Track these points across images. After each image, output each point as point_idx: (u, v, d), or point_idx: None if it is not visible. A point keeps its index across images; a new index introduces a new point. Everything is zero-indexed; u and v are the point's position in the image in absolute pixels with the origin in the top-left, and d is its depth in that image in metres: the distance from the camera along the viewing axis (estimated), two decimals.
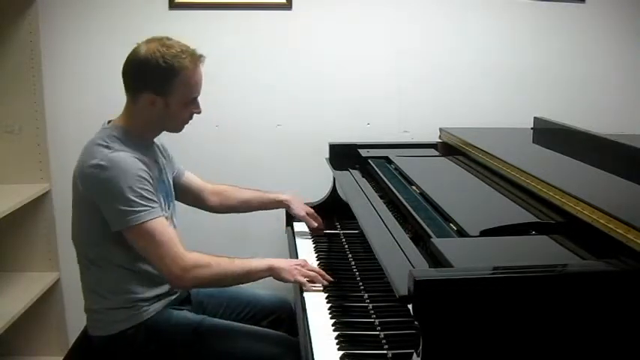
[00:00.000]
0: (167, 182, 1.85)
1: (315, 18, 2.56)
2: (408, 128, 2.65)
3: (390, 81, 2.62)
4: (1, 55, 2.41)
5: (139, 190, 1.60)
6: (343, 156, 2.34)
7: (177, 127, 1.77)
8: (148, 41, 1.68)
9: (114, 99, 2.60)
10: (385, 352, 1.42)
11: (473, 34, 2.62)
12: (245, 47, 2.57)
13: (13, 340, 2.49)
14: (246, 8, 2.54)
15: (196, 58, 1.70)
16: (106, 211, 1.61)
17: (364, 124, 2.63)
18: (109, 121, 1.76)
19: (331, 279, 1.76)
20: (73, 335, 2.15)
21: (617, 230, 1.24)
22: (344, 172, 2.26)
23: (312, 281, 1.73)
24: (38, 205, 2.50)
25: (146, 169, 1.65)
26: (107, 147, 1.63)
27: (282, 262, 1.76)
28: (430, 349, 1.09)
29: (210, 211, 2.11)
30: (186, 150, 2.58)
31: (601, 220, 1.30)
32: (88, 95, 2.53)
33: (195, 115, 1.77)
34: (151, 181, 1.65)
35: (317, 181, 2.45)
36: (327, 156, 2.38)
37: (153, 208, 1.62)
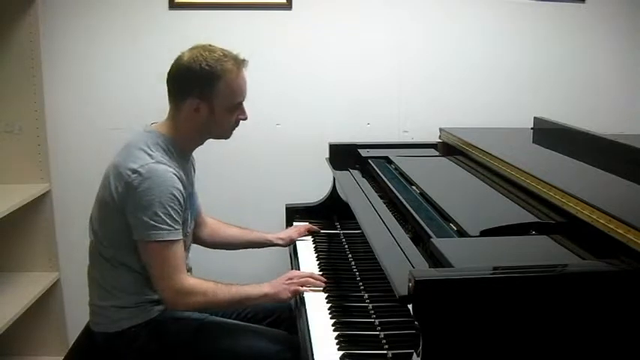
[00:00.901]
0: (195, 195, 1.85)
1: (315, 18, 2.56)
2: (408, 128, 2.65)
3: (390, 81, 2.62)
4: (1, 55, 2.41)
5: (168, 208, 1.59)
6: (343, 156, 2.34)
7: (224, 134, 1.77)
8: (192, 48, 1.70)
9: (114, 99, 2.62)
10: (385, 352, 1.42)
11: (473, 34, 2.62)
12: (245, 47, 2.55)
13: (13, 340, 2.49)
14: (246, 8, 2.54)
15: (239, 62, 1.71)
16: (132, 219, 1.61)
17: (364, 124, 2.63)
18: (152, 123, 1.75)
19: (323, 279, 1.77)
20: (73, 335, 2.15)
21: (617, 230, 1.24)
22: (344, 172, 2.26)
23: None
24: (38, 205, 2.50)
25: (181, 187, 1.64)
26: (150, 155, 1.62)
27: (275, 285, 1.75)
28: (430, 349, 1.09)
29: (198, 244, 2.04)
30: None
31: (601, 220, 1.30)
32: (88, 95, 2.53)
33: (238, 124, 1.76)
34: (182, 201, 1.64)
35: (317, 181, 2.45)
36: (327, 156, 2.38)
37: (176, 229, 1.62)
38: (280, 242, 2.13)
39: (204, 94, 1.66)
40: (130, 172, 1.59)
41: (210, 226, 2.06)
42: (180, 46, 2.50)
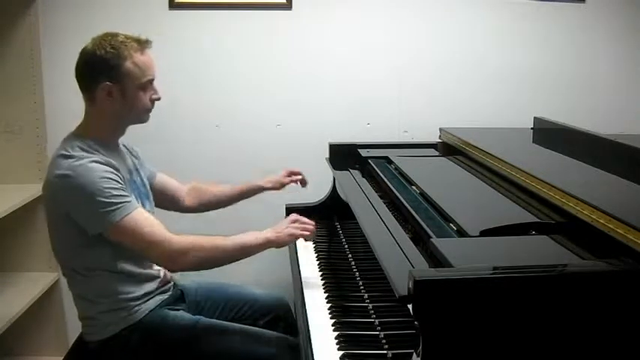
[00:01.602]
0: (140, 182, 1.84)
1: (315, 18, 2.56)
2: (408, 128, 2.65)
3: (390, 81, 2.62)
4: (1, 55, 2.41)
5: (107, 191, 1.59)
6: (343, 156, 2.34)
7: (140, 116, 1.74)
8: (93, 38, 1.71)
9: None
10: (385, 352, 1.41)
11: (473, 33, 2.62)
12: (245, 47, 2.57)
13: (13, 340, 2.49)
14: (246, 8, 2.54)
15: (142, 42, 1.71)
16: (80, 218, 1.62)
17: (364, 124, 2.63)
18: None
19: (313, 222, 1.83)
20: (73, 335, 2.15)
21: (617, 230, 1.24)
22: (344, 172, 2.26)
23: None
24: (38, 205, 2.49)
25: (112, 169, 1.64)
26: (70, 156, 1.63)
27: (277, 230, 1.78)
28: (430, 349, 1.09)
29: (188, 212, 2.09)
30: (186, 150, 2.59)
31: (601, 220, 1.30)
32: None
33: (156, 102, 1.75)
34: (119, 180, 1.65)
35: (317, 181, 2.45)
36: (327, 156, 2.38)
37: (127, 202, 1.62)
38: (269, 185, 2.16)
39: (114, 76, 1.66)
40: (58, 179, 1.61)
41: (192, 193, 2.08)
42: (181, 46, 2.53)
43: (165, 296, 1.81)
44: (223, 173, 2.61)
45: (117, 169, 1.66)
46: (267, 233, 1.76)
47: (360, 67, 2.60)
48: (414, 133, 2.64)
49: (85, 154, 1.64)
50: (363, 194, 1.97)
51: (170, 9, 2.51)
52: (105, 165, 1.63)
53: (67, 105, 2.52)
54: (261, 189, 2.17)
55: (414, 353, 1.12)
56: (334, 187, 2.36)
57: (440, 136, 2.44)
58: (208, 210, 2.13)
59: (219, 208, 2.14)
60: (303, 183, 2.23)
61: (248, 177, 2.60)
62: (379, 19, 2.58)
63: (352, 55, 2.59)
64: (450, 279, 1.11)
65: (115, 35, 1.69)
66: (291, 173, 2.21)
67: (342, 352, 1.42)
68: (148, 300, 1.74)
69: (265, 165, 2.62)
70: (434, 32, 2.61)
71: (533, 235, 1.40)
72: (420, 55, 2.61)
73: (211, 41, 2.55)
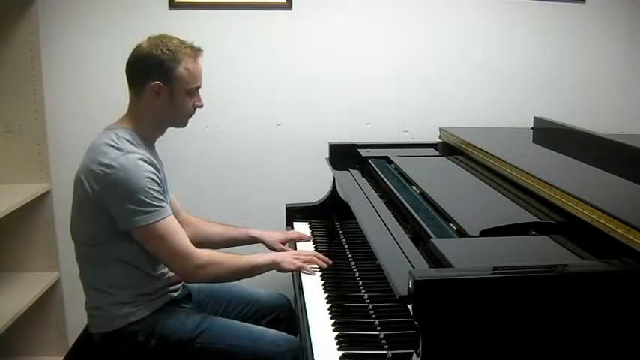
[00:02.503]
0: (164, 180, 1.85)
1: (315, 18, 2.56)
2: (408, 128, 2.65)
3: (390, 81, 2.62)
4: (1, 55, 2.41)
5: (149, 191, 1.63)
6: (343, 156, 2.34)
7: (182, 119, 1.80)
8: (149, 38, 1.75)
9: (114, 99, 2.60)
10: (385, 352, 1.42)
11: (473, 34, 2.62)
12: (245, 47, 2.57)
13: (13, 340, 2.49)
14: (246, 8, 2.54)
15: (196, 50, 1.77)
16: (115, 211, 1.64)
17: (364, 124, 2.63)
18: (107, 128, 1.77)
19: (329, 261, 1.86)
20: (73, 335, 2.15)
21: (617, 230, 1.24)
22: (344, 172, 2.26)
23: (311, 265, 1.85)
24: (38, 205, 2.50)
25: (155, 171, 1.68)
26: (118, 148, 1.65)
27: (283, 255, 1.88)
28: (430, 349, 1.09)
29: None
30: (187, 150, 2.59)
31: (601, 220, 1.30)
32: (87, 95, 2.53)
33: (194, 111, 1.80)
34: (159, 182, 1.69)
35: (317, 181, 2.45)
36: (327, 156, 2.38)
37: (163, 207, 1.66)
38: (265, 241, 2.09)
39: (165, 77, 1.71)
40: (103, 168, 1.62)
41: (192, 225, 2.06)
42: None
43: (176, 294, 1.83)
44: (224, 174, 2.61)
45: (158, 171, 1.70)
46: (274, 255, 1.87)
47: (360, 67, 2.60)
48: (414, 133, 2.64)
49: (132, 147, 1.67)
50: (363, 194, 1.97)
51: (170, 9, 2.51)
52: (150, 165, 1.67)
53: (67, 105, 2.53)
54: (254, 240, 2.11)
55: (414, 353, 1.12)
56: (334, 187, 2.36)
57: (440, 136, 2.44)
58: (199, 247, 2.09)
59: (211, 248, 2.05)
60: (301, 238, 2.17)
61: (248, 177, 2.62)
62: (379, 19, 2.58)
63: (352, 55, 2.59)
64: (450, 279, 1.11)
65: (171, 38, 1.74)
66: (286, 239, 2.14)
67: (342, 352, 1.42)
68: (157, 298, 1.76)
69: (265, 165, 2.63)
70: (434, 32, 2.61)
71: (533, 235, 1.40)
72: (420, 55, 2.61)
73: (211, 41, 2.54)
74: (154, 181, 1.66)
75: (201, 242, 2.03)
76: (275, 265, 1.82)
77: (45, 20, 2.45)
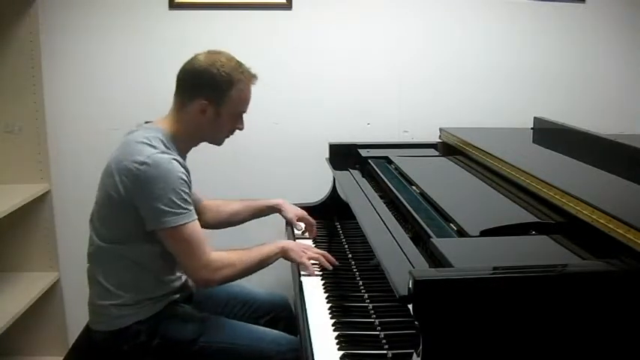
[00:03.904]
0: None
1: (315, 18, 2.56)
2: (408, 128, 2.65)
3: (390, 81, 2.62)
4: (1, 55, 2.41)
5: (180, 193, 1.62)
6: (343, 156, 2.34)
7: (220, 139, 1.81)
8: (209, 52, 1.76)
9: (114, 99, 2.62)
10: (385, 352, 1.42)
11: (473, 34, 2.62)
12: (245, 47, 2.55)
13: (13, 340, 2.49)
14: (246, 8, 2.54)
15: (251, 75, 1.77)
16: (144, 209, 1.63)
17: (364, 124, 2.63)
18: (146, 122, 1.78)
19: (335, 262, 1.85)
20: (73, 335, 2.15)
21: (617, 230, 1.24)
22: (344, 172, 2.26)
23: (317, 264, 1.84)
24: (38, 205, 2.50)
25: (187, 173, 1.68)
26: (152, 146, 1.65)
27: (291, 243, 1.88)
28: (430, 349, 1.09)
29: (204, 228, 2.08)
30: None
31: (601, 220, 1.30)
32: (88, 95, 2.53)
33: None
34: (189, 185, 1.69)
35: (317, 181, 2.45)
36: (327, 156, 2.38)
37: (190, 211, 1.65)
38: (283, 211, 2.15)
39: (215, 98, 1.71)
40: (137, 165, 1.61)
41: (211, 209, 2.09)
42: (181, 46, 2.50)
43: (177, 296, 1.82)
44: (224, 173, 2.61)
45: (189, 173, 1.70)
46: (282, 242, 1.86)
47: (360, 67, 2.60)
48: (414, 133, 2.64)
49: (165, 149, 1.67)
50: (363, 194, 1.97)
51: (170, 9, 2.51)
52: (182, 167, 1.67)
53: (67, 105, 2.53)
54: (273, 210, 2.17)
55: (414, 353, 1.12)
56: (334, 187, 2.36)
57: (440, 136, 2.44)
58: (221, 227, 2.13)
59: (232, 225, 2.16)
60: (312, 233, 2.18)
61: (248, 177, 2.62)
62: (379, 19, 2.58)
63: (352, 55, 2.59)
64: (450, 279, 1.11)
65: (230, 59, 1.74)
66: (303, 219, 2.17)
67: (342, 352, 1.42)
68: (162, 300, 1.76)
69: (265, 165, 2.63)
70: (434, 32, 2.61)
71: (533, 235, 1.40)
72: (420, 55, 2.61)
73: (211, 41, 2.53)
74: (186, 182, 1.65)
75: (224, 221, 2.12)
76: (283, 253, 1.82)
77: (45, 20, 2.45)
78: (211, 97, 1.70)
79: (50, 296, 2.55)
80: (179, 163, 1.66)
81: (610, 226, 1.26)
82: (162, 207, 1.60)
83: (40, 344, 2.59)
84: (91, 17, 2.48)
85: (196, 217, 1.69)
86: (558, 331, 1.12)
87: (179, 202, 1.62)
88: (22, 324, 2.34)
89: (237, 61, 1.75)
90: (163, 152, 1.64)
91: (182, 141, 1.75)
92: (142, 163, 1.61)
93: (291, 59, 2.58)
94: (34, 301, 2.35)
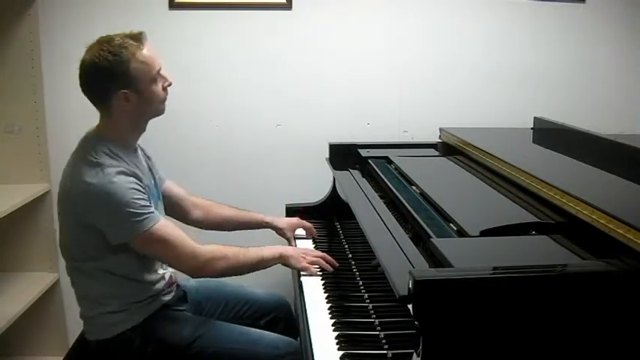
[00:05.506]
0: (153, 185, 1.83)
1: (315, 18, 2.56)
2: (408, 128, 2.65)
3: (390, 81, 2.62)
4: (1, 55, 2.41)
5: (135, 202, 1.60)
6: (343, 156, 2.34)
7: (158, 109, 1.73)
8: (88, 49, 1.67)
9: None
10: (385, 352, 1.42)
11: (473, 34, 2.62)
12: (245, 47, 2.57)
13: (13, 340, 2.49)
14: (246, 8, 2.54)
15: (138, 37, 1.67)
16: (106, 228, 1.62)
17: (364, 124, 2.63)
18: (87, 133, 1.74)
19: (335, 264, 1.84)
20: (73, 335, 2.15)
21: (617, 230, 1.24)
22: (344, 172, 2.26)
23: (317, 266, 1.83)
24: (38, 205, 2.50)
25: (136, 180, 1.65)
26: (97, 164, 1.61)
27: (290, 250, 1.86)
28: (430, 349, 1.09)
29: (192, 225, 2.06)
30: (186, 151, 2.59)
31: (601, 220, 1.30)
32: None
33: (167, 92, 1.73)
34: (143, 190, 1.66)
35: (317, 181, 2.45)
36: (327, 156, 2.38)
37: (152, 213, 1.64)
38: (278, 227, 2.10)
39: (125, 82, 1.63)
40: (85, 187, 1.59)
41: (201, 207, 2.06)
42: (181, 46, 2.52)
43: (168, 297, 1.81)
44: (224, 173, 2.61)
45: (140, 179, 1.67)
46: (282, 249, 1.84)
47: (360, 67, 2.60)
48: (414, 133, 2.64)
49: (112, 161, 1.63)
50: (363, 194, 1.97)
51: (170, 9, 2.51)
52: (131, 176, 1.64)
53: (67, 105, 2.53)
54: (266, 226, 2.12)
55: (414, 353, 1.12)
56: (334, 187, 2.36)
57: (440, 136, 2.44)
58: (212, 229, 2.08)
59: (223, 230, 2.11)
60: (311, 233, 2.17)
61: (248, 177, 2.62)
62: (379, 19, 2.58)
63: (352, 55, 2.59)
64: (450, 279, 1.11)
65: (109, 40, 1.64)
66: (302, 226, 2.16)
67: (342, 352, 1.42)
68: (152, 302, 1.74)
69: (265, 165, 2.63)
70: (434, 32, 2.61)
71: (533, 235, 1.40)
72: (420, 55, 2.61)
73: (211, 41, 2.55)
74: (137, 190, 1.62)
75: (212, 224, 2.07)
76: (282, 260, 1.81)
77: (45, 20, 2.45)
78: (120, 83, 1.62)
79: (50, 297, 2.55)
80: (126, 173, 1.62)
81: (610, 226, 1.26)
82: (123, 220, 1.59)
83: (39, 344, 2.59)
84: (91, 17, 2.47)
85: (161, 217, 1.67)
86: (558, 331, 1.12)
87: (137, 210, 1.60)
88: (22, 324, 2.33)
89: (117, 36, 1.64)
90: (109, 166, 1.61)
91: (125, 137, 1.72)
92: (90, 185, 1.58)
93: (291, 59, 2.58)
94: (33, 302, 2.35)
